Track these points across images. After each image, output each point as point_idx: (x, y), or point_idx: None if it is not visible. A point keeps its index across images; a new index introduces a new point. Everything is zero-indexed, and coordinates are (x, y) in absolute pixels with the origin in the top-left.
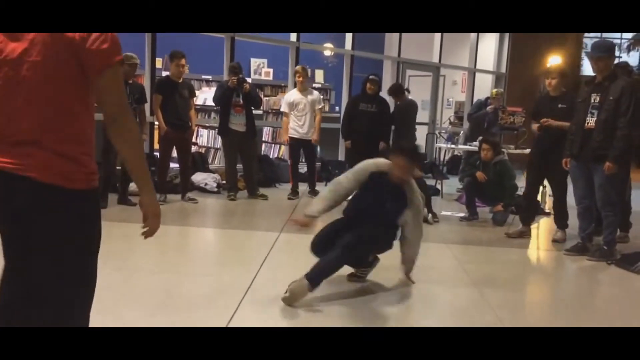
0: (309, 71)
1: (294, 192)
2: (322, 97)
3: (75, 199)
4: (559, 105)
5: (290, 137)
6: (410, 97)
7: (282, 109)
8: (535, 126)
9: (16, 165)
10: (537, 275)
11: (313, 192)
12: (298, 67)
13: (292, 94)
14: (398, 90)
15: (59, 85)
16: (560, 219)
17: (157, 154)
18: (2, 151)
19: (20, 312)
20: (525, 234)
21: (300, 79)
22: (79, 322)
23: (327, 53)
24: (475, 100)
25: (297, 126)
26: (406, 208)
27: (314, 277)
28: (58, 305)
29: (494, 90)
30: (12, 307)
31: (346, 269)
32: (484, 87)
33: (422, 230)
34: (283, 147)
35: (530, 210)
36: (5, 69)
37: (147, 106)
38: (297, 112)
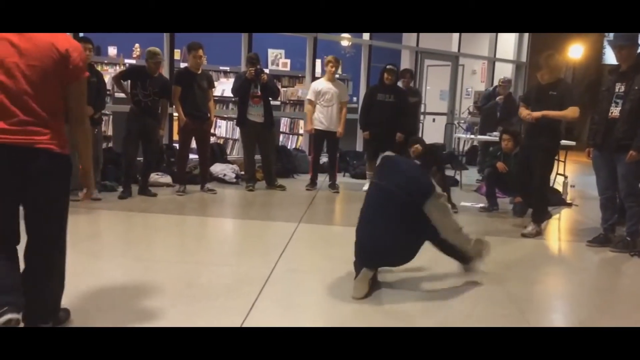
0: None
1: (312, 183)
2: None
3: (68, 160)
4: (550, 93)
5: (314, 129)
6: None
7: (307, 96)
8: (524, 113)
9: (29, 141)
10: (558, 267)
11: (333, 186)
12: (331, 57)
13: (320, 83)
14: (412, 77)
15: (55, 82)
16: (538, 211)
17: (177, 145)
18: (8, 130)
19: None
20: (541, 232)
21: (333, 69)
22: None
23: (345, 43)
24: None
25: (322, 117)
26: None
27: None
28: (61, 227)
29: (500, 79)
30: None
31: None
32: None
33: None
34: (301, 137)
35: (542, 208)
36: (10, 66)
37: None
38: (323, 102)
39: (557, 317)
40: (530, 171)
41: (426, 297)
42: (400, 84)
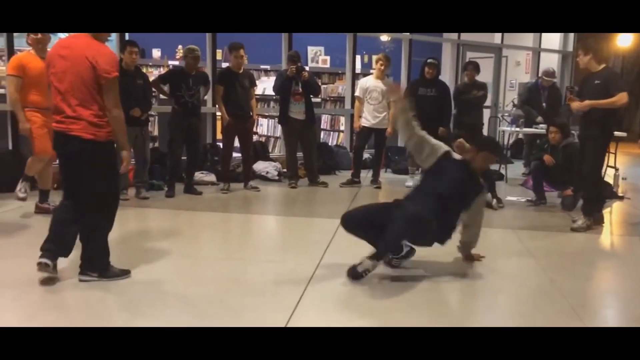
0: (367, 57)
1: (352, 181)
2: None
3: (98, 145)
4: (595, 82)
5: (361, 125)
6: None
7: (355, 93)
8: (575, 104)
9: (66, 129)
10: (610, 262)
11: (375, 181)
12: (381, 55)
13: (368, 81)
14: (476, 69)
15: (88, 85)
16: (589, 203)
17: (220, 144)
18: (59, 121)
19: (85, 209)
20: (592, 227)
21: (382, 67)
22: (111, 211)
23: (385, 38)
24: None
25: (369, 115)
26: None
27: (383, 253)
28: (97, 199)
29: (543, 70)
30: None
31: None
32: (550, 66)
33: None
34: (342, 134)
35: (592, 200)
36: (59, 75)
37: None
38: (370, 100)
39: (611, 313)
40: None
41: (473, 294)
42: (465, 78)
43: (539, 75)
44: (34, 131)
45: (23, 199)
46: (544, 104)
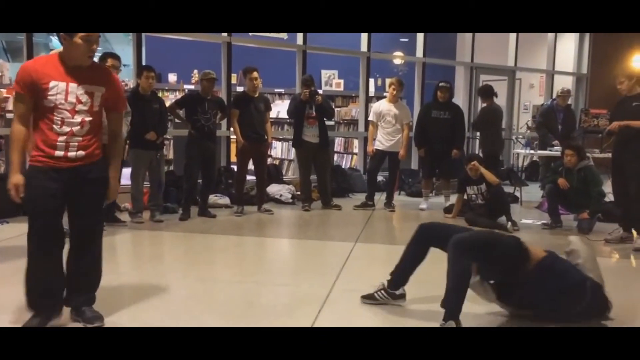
0: (380, 81)
1: (365, 204)
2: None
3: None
4: (634, 104)
5: (375, 149)
6: (496, 103)
7: (369, 118)
8: (613, 124)
9: None
10: (635, 285)
11: (389, 204)
12: (394, 79)
13: (381, 104)
14: (486, 93)
15: None
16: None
17: (235, 166)
18: None
19: None
20: (628, 239)
21: (395, 91)
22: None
23: (398, 61)
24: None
25: (383, 138)
26: None
27: None
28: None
29: (558, 90)
30: None
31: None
32: (564, 86)
33: None
34: (355, 157)
35: (630, 214)
36: None
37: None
38: (384, 123)
39: None
40: (624, 183)
41: (488, 320)
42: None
43: (554, 96)
44: None
45: None
46: (559, 126)
